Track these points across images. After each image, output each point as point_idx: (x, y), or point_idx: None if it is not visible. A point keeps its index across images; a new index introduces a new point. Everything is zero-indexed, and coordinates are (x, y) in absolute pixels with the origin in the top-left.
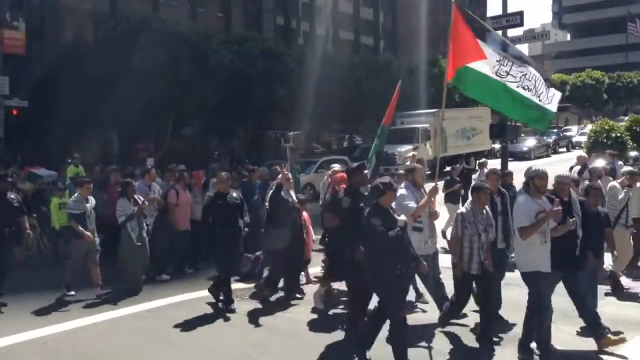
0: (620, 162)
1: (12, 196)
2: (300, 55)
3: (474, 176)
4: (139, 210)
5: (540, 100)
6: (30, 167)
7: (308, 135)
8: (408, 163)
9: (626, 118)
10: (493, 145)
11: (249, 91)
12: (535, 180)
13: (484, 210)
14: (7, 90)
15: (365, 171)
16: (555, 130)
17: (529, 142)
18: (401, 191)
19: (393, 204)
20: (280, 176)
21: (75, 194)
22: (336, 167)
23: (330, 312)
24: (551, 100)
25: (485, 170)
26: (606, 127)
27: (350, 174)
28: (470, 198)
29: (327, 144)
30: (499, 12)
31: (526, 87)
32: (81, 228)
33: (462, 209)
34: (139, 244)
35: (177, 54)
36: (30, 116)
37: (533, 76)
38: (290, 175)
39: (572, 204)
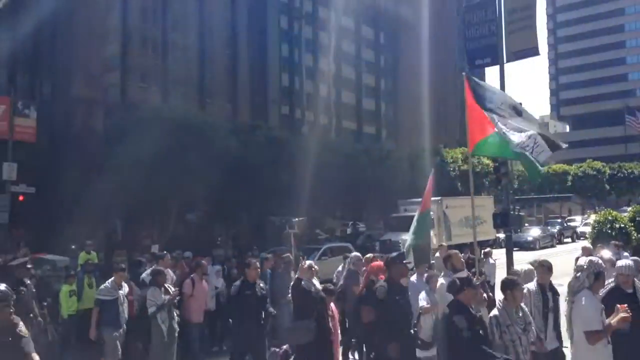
0: (626, 253)
1: (29, 282)
2: (304, 143)
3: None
4: (170, 299)
5: (532, 154)
6: (36, 253)
7: (312, 221)
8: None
9: (629, 209)
10: (497, 235)
11: (253, 178)
12: (599, 276)
13: (520, 308)
14: (15, 176)
15: (405, 261)
16: (559, 221)
17: (534, 232)
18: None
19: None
20: (300, 266)
21: (110, 280)
22: (356, 255)
23: None
24: (538, 155)
25: (491, 261)
26: (609, 218)
27: (390, 264)
28: (502, 297)
29: (330, 230)
30: None
31: (524, 146)
32: (94, 320)
33: (494, 311)
34: (170, 337)
35: (184, 141)
36: (36, 202)
37: (527, 135)
38: (309, 262)
39: (637, 294)
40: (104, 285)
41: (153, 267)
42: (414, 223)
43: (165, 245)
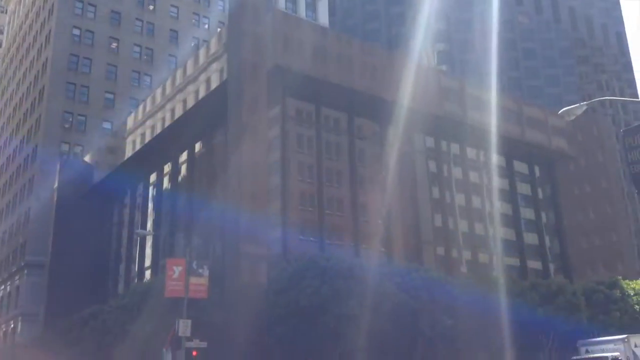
0: None
1: None
2: (464, 283)
3: None
4: None
5: None
6: None
7: None
8: None
9: None
10: None
11: (413, 322)
12: None
13: None
14: (189, 332)
15: None
16: None
17: None
18: None
19: None
20: None
21: None
22: None
23: None
24: None
25: None
26: None
27: None
28: None
29: None
30: None
31: None
32: None
33: None
34: None
35: (341, 288)
36: (208, 356)
37: None
38: None
39: None
40: None
41: None
42: None
43: None
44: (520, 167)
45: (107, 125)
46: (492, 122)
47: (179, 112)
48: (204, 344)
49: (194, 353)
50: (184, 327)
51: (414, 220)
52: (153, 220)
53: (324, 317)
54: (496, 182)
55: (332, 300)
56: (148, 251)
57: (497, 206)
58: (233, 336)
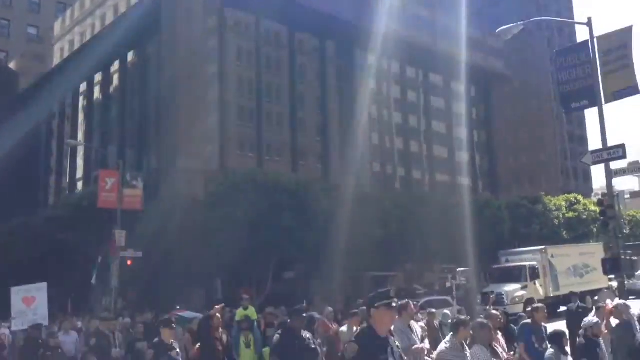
0: None
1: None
2: (397, 198)
3: (590, 316)
4: None
5: None
6: (176, 311)
7: (409, 276)
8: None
9: None
10: (610, 283)
11: (346, 234)
12: None
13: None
14: (124, 242)
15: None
16: None
17: None
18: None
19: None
20: None
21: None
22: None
23: None
24: None
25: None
26: None
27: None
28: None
29: (429, 285)
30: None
31: None
32: None
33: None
34: None
35: (279, 203)
36: (143, 266)
37: None
38: None
39: None
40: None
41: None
42: None
43: (261, 304)
44: (457, 86)
45: (32, 30)
46: (432, 41)
47: (109, 19)
48: (139, 254)
49: (129, 262)
50: (119, 237)
51: (351, 138)
52: (84, 131)
53: (259, 230)
54: (433, 101)
55: (268, 214)
56: (80, 162)
57: (432, 125)
58: (169, 248)
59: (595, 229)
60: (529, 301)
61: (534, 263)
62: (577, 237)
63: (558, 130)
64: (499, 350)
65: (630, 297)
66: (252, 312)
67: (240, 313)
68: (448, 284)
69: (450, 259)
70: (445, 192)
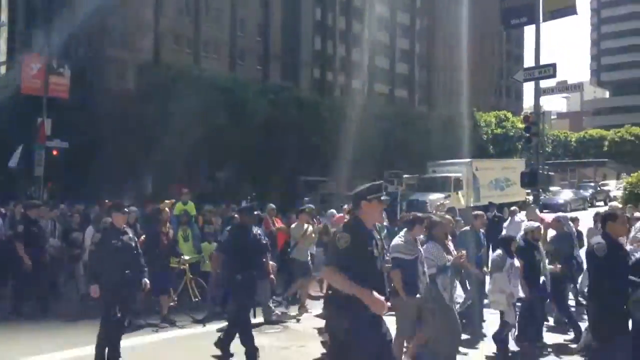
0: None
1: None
2: (335, 105)
3: (505, 224)
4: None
5: None
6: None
7: (342, 183)
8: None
9: None
10: (528, 197)
11: (283, 139)
12: None
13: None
14: (49, 131)
15: None
16: (592, 185)
17: (565, 195)
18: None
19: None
20: None
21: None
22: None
23: None
24: None
25: (516, 219)
26: None
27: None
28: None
29: None
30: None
31: None
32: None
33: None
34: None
35: (214, 101)
36: (70, 157)
37: None
38: None
39: None
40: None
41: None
42: None
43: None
44: None
45: None
46: None
47: None
48: (65, 144)
49: (55, 152)
50: (44, 126)
51: (293, 41)
52: (9, 12)
53: (193, 127)
54: (378, 8)
55: (202, 112)
56: (2, 47)
57: (376, 34)
58: (97, 140)
59: (520, 146)
60: (450, 210)
61: (459, 174)
62: (503, 152)
63: (497, 48)
64: (451, 247)
65: (544, 211)
66: (191, 207)
67: (179, 207)
68: None
69: (382, 168)
70: (382, 103)
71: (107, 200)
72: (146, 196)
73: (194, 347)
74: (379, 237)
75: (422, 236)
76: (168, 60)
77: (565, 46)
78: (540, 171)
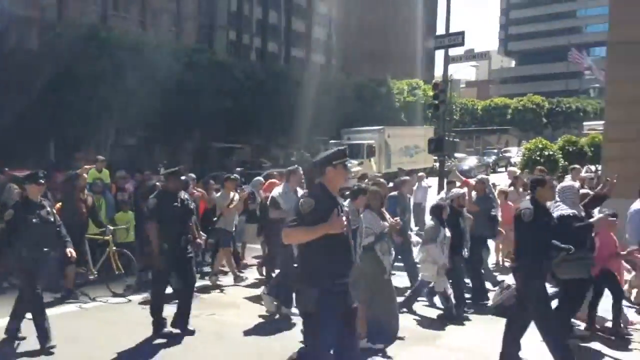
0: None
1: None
2: (251, 70)
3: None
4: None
5: None
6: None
7: (256, 150)
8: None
9: (560, 138)
10: (435, 163)
11: (196, 103)
12: None
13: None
14: None
15: None
16: (495, 151)
17: (470, 162)
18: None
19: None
20: None
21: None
22: (257, 179)
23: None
24: None
25: (423, 184)
26: (540, 146)
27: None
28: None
29: (274, 159)
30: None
31: None
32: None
33: None
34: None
35: (123, 62)
36: None
37: None
38: None
39: None
40: None
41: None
42: None
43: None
44: None
45: None
46: None
47: None
48: None
49: None
50: None
51: (209, 2)
52: None
53: (99, 90)
54: None
55: (111, 73)
56: None
57: None
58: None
59: (430, 114)
60: (363, 176)
61: (372, 142)
62: (415, 119)
63: (412, 16)
64: (387, 215)
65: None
66: (105, 175)
67: (92, 174)
68: (293, 158)
69: (297, 134)
70: (299, 68)
71: (6, 169)
72: (49, 163)
73: (105, 319)
74: (344, 202)
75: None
76: (73, 18)
77: (478, 16)
78: (447, 138)
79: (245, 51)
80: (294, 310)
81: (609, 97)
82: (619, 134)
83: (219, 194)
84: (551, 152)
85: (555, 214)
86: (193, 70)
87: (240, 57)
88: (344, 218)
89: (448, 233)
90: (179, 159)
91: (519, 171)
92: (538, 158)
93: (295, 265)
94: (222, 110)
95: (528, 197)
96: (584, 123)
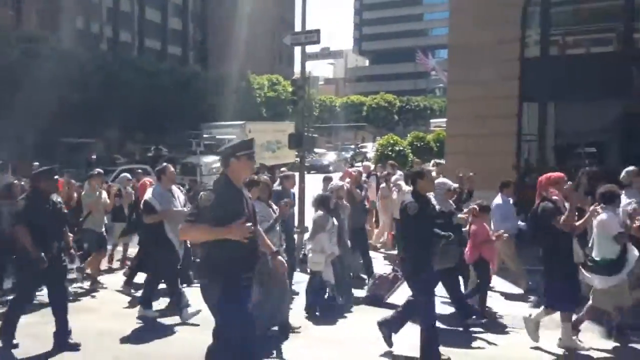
0: (400, 172)
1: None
2: (101, 60)
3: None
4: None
5: None
6: None
7: (109, 144)
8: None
9: (409, 134)
10: (297, 159)
11: (36, 95)
12: None
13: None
14: None
15: None
16: (352, 147)
17: (330, 157)
18: None
19: None
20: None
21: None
22: (124, 175)
23: None
24: None
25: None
26: (391, 142)
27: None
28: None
29: (130, 154)
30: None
31: None
32: None
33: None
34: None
35: None
36: None
37: None
38: None
39: None
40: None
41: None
42: None
43: None
44: None
45: None
46: None
47: None
48: None
49: None
50: None
51: None
52: None
53: None
54: None
55: None
56: None
57: None
58: None
59: (290, 109)
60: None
61: (233, 137)
62: (275, 115)
63: (271, 12)
64: (274, 207)
65: (311, 172)
66: None
67: None
68: (150, 154)
69: (153, 129)
70: (154, 60)
71: None
72: None
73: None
74: (249, 195)
75: None
76: None
77: (336, 15)
78: (306, 134)
79: (95, 40)
80: (151, 313)
81: (449, 96)
82: (459, 129)
83: (83, 192)
84: (401, 148)
85: None
86: (34, 59)
87: (89, 47)
88: (249, 224)
89: (336, 222)
90: (23, 155)
91: (373, 166)
92: (390, 153)
93: (198, 260)
94: (70, 102)
95: (409, 190)
96: (431, 120)
